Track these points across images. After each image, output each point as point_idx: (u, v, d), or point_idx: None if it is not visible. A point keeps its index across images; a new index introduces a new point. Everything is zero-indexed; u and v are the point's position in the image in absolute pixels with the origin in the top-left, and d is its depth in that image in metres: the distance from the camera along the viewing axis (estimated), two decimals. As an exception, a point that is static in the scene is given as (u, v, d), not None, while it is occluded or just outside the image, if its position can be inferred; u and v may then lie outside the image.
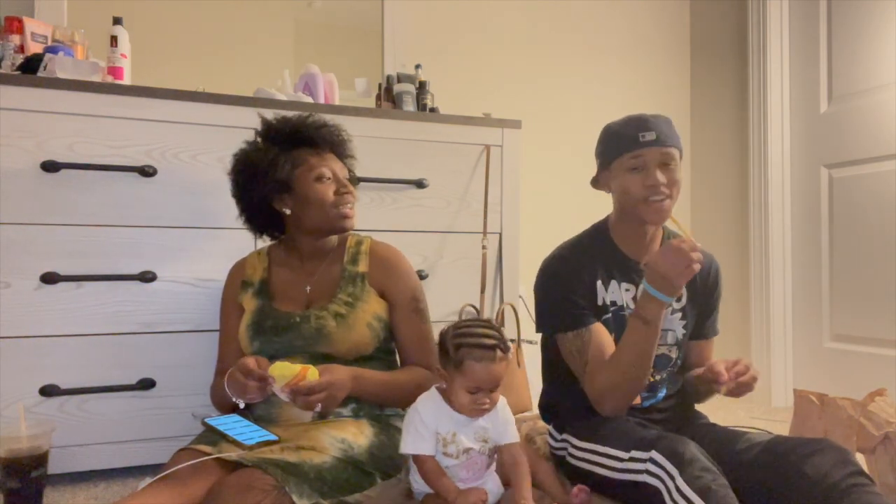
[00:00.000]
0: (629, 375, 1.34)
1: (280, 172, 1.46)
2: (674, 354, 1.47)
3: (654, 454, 1.17)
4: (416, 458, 1.26)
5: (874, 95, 2.42)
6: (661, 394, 1.48)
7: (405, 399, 1.42)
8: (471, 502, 1.19)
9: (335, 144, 1.55)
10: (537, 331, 1.53)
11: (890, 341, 2.36)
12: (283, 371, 1.28)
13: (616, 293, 1.46)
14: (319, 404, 1.30)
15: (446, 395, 1.29)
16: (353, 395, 1.40)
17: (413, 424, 1.27)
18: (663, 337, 1.45)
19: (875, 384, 2.05)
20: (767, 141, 2.73)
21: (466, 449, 1.28)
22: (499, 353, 1.24)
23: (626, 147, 1.40)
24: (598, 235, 1.52)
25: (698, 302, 1.52)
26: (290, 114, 1.56)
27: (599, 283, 1.45)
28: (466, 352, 1.24)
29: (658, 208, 1.38)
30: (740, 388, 1.33)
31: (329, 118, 1.57)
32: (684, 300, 1.49)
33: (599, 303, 1.45)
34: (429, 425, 1.26)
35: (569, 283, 1.44)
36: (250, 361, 1.32)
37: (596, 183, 1.52)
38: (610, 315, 1.45)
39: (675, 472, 1.12)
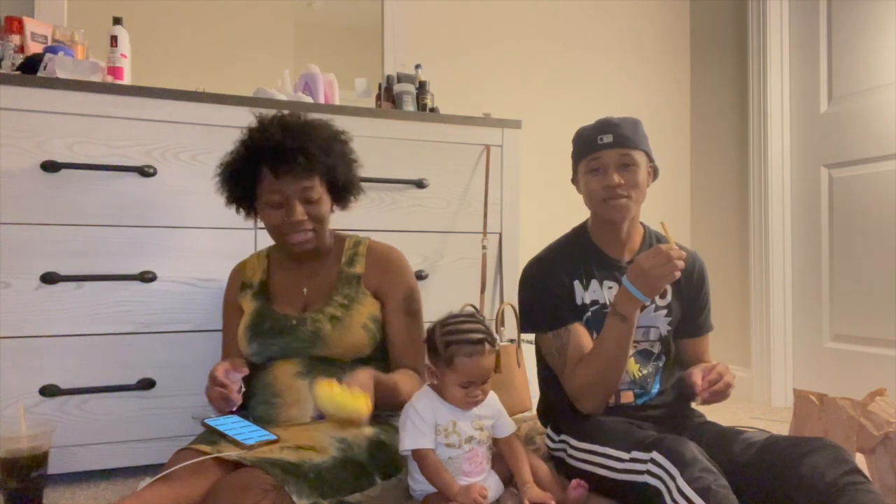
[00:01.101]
0: (605, 370, 1.38)
1: (238, 188, 1.47)
2: (656, 349, 1.51)
3: (656, 454, 1.18)
4: (417, 454, 1.27)
5: (874, 95, 2.42)
6: (654, 390, 1.50)
7: (392, 400, 1.43)
8: (472, 498, 1.20)
9: (288, 169, 1.40)
10: (521, 332, 1.56)
11: (890, 341, 2.36)
12: (335, 403, 1.17)
13: (598, 292, 1.49)
14: None
15: (438, 391, 1.32)
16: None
17: (409, 421, 1.28)
18: (646, 333, 1.50)
19: (875, 384, 2.04)
20: (767, 141, 2.73)
21: (468, 438, 1.29)
22: (487, 346, 1.28)
23: (586, 150, 1.47)
24: (578, 237, 1.57)
25: (684, 299, 1.55)
26: (269, 118, 1.46)
27: (577, 283, 1.49)
28: (456, 349, 1.27)
29: (616, 207, 1.44)
30: (714, 396, 1.34)
31: (304, 117, 1.49)
32: (669, 297, 1.52)
33: (578, 302, 1.49)
34: (426, 419, 1.27)
35: (547, 285, 1.49)
36: (219, 370, 1.33)
37: (573, 183, 1.59)
38: (590, 314, 1.49)
39: (675, 472, 1.12)
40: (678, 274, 1.30)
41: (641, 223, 1.58)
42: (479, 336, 1.28)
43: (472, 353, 1.26)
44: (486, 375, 1.29)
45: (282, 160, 1.39)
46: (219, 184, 1.50)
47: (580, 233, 1.57)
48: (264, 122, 1.45)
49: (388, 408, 1.46)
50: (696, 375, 1.36)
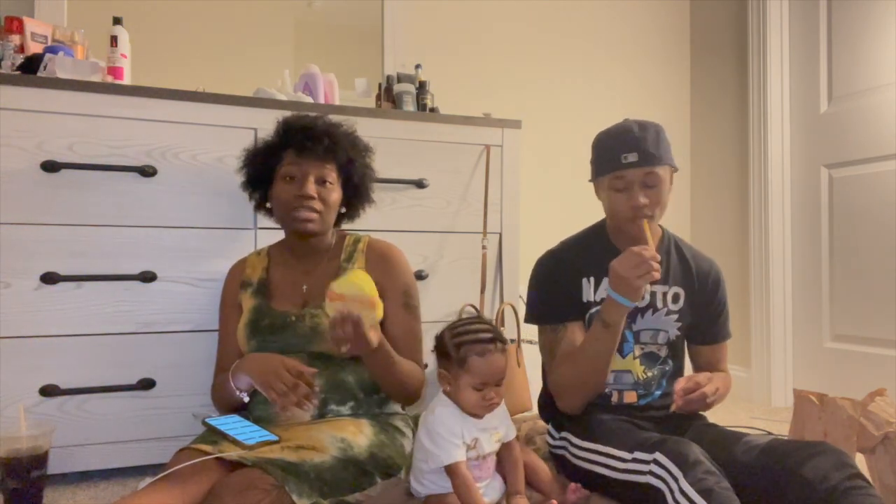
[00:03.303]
0: (584, 374, 1.40)
1: (262, 164, 1.52)
2: (663, 353, 1.50)
3: (658, 455, 1.18)
4: (450, 467, 1.23)
5: (874, 95, 2.42)
6: (658, 392, 1.50)
7: (402, 385, 1.45)
8: None
9: (311, 147, 1.47)
10: (524, 321, 1.58)
11: (890, 341, 2.36)
12: (353, 283, 1.27)
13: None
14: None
15: (453, 398, 1.29)
16: (372, 355, 1.37)
17: (441, 437, 1.24)
18: (654, 336, 1.49)
19: (875, 384, 2.04)
20: (767, 141, 2.73)
21: (487, 454, 1.29)
22: (499, 344, 1.27)
23: (609, 167, 1.42)
24: (596, 235, 1.55)
25: (697, 305, 1.53)
26: (311, 114, 1.56)
27: (585, 280, 1.49)
28: (468, 349, 1.25)
29: (640, 227, 1.41)
30: (689, 405, 1.34)
31: (338, 120, 1.57)
32: (681, 303, 1.51)
33: (584, 300, 1.49)
34: (457, 432, 1.25)
35: (554, 279, 1.50)
36: (301, 365, 1.33)
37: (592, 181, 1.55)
38: (594, 311, 1.49)
39: (678, 473, 1.12)
40: (656, 274, 1.29)
41: (660, 226, 1.56)
42: (490, 335, 1.27)
43: (484, 352, 1.25)
44: (499, 376, 1.27)
45: (308, 138, 1.47)
46: (242, 162, 1.57)
47: (598, 231, 1.56)
48: (298, 114, 1.56)
49: (383, 378, 1.45)
50: (679, 383, 1.36)
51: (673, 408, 1.36)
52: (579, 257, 1.50)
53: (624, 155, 1.39)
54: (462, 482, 1.23)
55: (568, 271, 1.50)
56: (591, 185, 1.55)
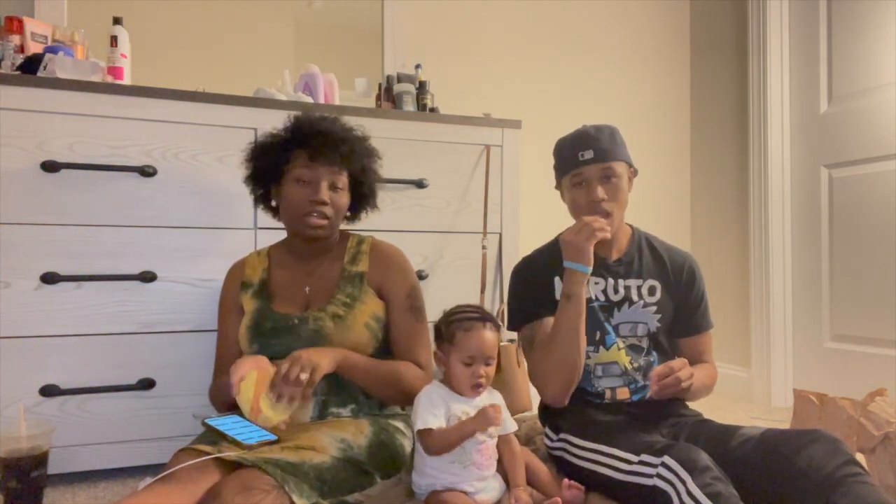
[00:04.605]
0: (560, 355, 1.43)
1: (269, 160, 1.50)
2: (644, 345, 1.54)
3: (667, 459, 1.18)
4: (423, 432, 1.28)
5: (874, 95, 2.42)
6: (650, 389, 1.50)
7: (393, 386, 1.45)
8: (487, 416, 1.25)
9: (326, 153, 1.46)
10: (507, 328, 1.63)
11: (890, 341, 2.36)
12: (244, 404, 1.30)
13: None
14: (304, 379, 1.28)
15: (447, 382, 1.35)
16: (340, 366, 1.39)
17: (422, 405, 1.31)
18: (633, 329, 1.53)
19: (875, 384, 2.05)
20: (767, 141, 2.73)
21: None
22: (487, 323, 1.34)
23: (569, 167, 1.52)
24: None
25: (674, 297, 1.57)
26: (325, 116, 1.54)
27: (557, 279, 1.53)
28: (457, 325, 1.33)
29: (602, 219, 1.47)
30: (664, 389, 1.36)
31: (349, 122, 1.56)
32: (659, 295, 1.55)
33: (557, 297, 1.52)
34: (437, 404, 1.31)
35: (527, 282, 1.57)
36: (235, 374, 1.31)
37: (557, 189, 1.62)
38: None
39: (687, 477, 1.12)
40: (601, 234, 1.37)
41: (630, 225, 1.63)
42: (478, 315, 1.35)
43: (470, 328, 1.32)
44: (487, 352, 1.32)
45: (325, 144, 1.46)
46: (247, 157, 1.55)
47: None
48: (311, 115, 1.53)
49: (377, 387, 1.46)
50: (655, 369, 1.39)
51: (649, 394, 1.38)
52: (550, 259, 1.56)
53: (581, 153, 1.49)
54: (436, 437, 1.27)
55: (540, 272, 1.56)
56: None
